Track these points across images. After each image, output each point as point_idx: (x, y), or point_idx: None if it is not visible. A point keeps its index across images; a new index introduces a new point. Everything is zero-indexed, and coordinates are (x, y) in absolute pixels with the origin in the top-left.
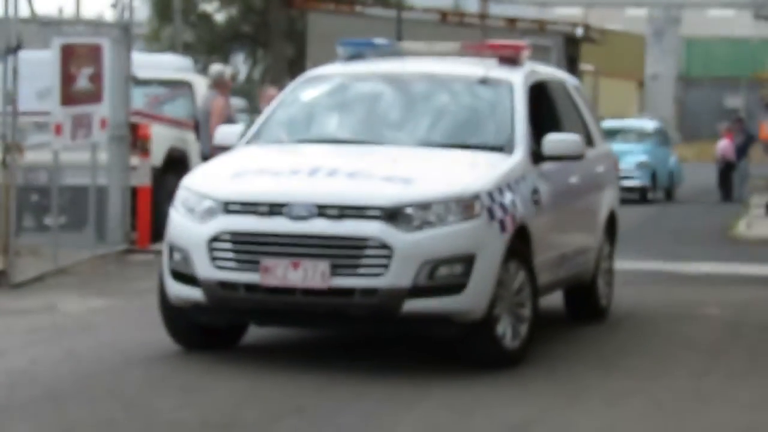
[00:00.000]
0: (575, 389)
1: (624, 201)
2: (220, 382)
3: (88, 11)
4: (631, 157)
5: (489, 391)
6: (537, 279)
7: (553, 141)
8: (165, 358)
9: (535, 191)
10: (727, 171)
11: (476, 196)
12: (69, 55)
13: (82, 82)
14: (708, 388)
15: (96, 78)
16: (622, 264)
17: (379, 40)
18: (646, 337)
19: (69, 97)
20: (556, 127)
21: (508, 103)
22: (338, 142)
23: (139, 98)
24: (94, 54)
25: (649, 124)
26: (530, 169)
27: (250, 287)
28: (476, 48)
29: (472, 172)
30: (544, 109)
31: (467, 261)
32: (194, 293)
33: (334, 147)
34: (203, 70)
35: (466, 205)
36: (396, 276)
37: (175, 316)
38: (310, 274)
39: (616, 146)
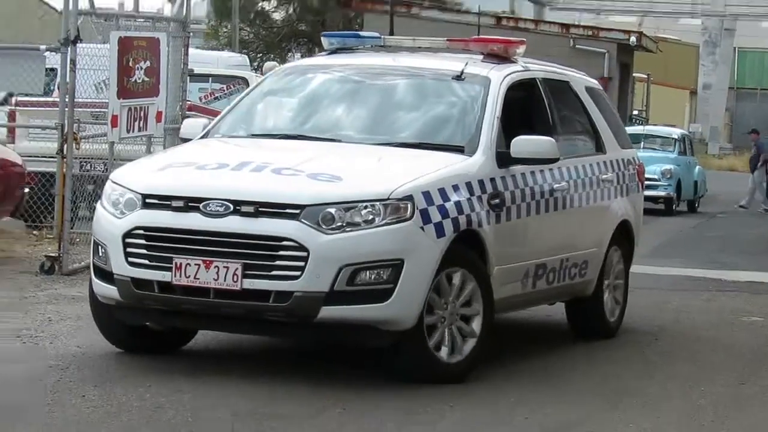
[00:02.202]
0: (616, 393)
1: (649, 211)
2: (257, 374)
3: (147, 5)
4: (655, 165)
5: (528, 393)
6: (495, 291)
7: (522, 143)
8: (210, 345)
9: (495, 195)
10: None
11: (409, 198)
12: (127, 48)
13: (139, 76)
14: (748, 394)
15: (153, 72)
16: (668, 270)
17: (366, 33)
18: (689, 342)
19: (126, 90)
20: (544, 127)
21: (479, 101)
22: (292, 137)
23: (194, 93)
24: (151, 48)
25: (674, 132)
26: (492, 172)
27: (164, 286)
28: (463, 43)
29: (413, 171)
30: (532, 108)
31: (395, 266)
32: (112, 291)
33: (281, 142)
34: (259, 68)
35: (395, 207)
36: (312, 280)
37: (101, 314)
38: (222, 275)
39: (639, 154)
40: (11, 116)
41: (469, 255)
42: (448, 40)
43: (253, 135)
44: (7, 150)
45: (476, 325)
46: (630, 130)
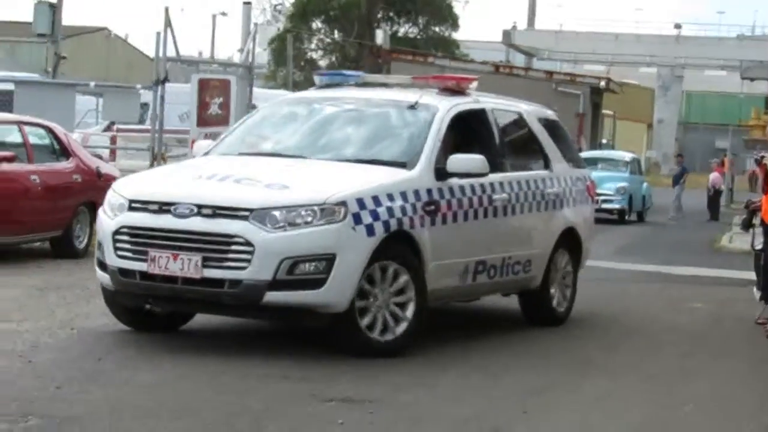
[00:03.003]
0: (585, 363)
1: (605, 221)
2: (299, 345)
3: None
4: (611, 183)
5: (516, 360)
6: (432, 283)
7: (456, 159)
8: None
9: (430, 203)
10: (715, 197)
11: (342, 203)
12: (204, 87)
13: (214, 109)
14: (691, 365)
15: (224, 106)
16: (626, 266)
17: (349, 72)
18: (645, 323)
19: (203, 120)
20: (488, 148)
21: (426, 126)
22: (271, 155)
23: None
24: (223, 87)
25: (625, 155)
26: (429, 183)
27: (143, 275)
28: (424, 79)
29: (352, 182)
30: (479, 132)
31: (328, 260)
32: (106, 279)
33: (259, 159)
34: None
35: (330, 210)
36: (257, 270)
37: (108, 298)
38: (186, 265)
39: (597, 173)
40: (113, 140)
41: (402, 251)
42: (413, 77)
43: (240, 153)
44: (109, 166)
45: (409, 311)
46: (590, 153)
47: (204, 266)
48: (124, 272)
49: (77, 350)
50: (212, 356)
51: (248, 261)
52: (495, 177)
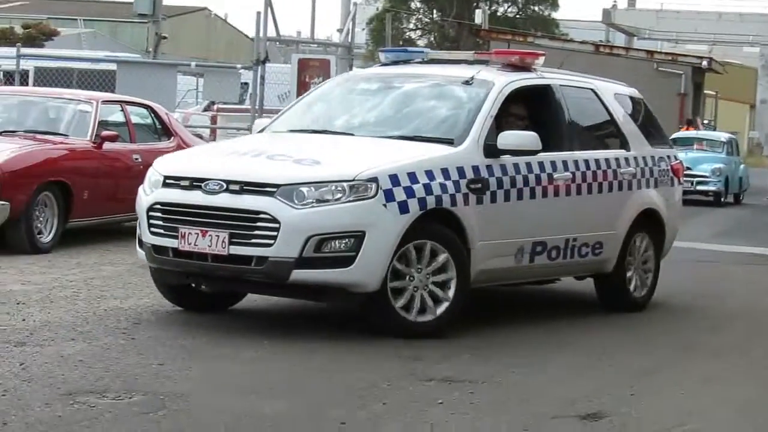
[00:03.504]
0: (689, 345)
1: (701, 203)
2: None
3: (320, 33)
4: (707, 164)
5: (621, 342)
6: (479, 263)
7: (507, 136)
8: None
9: (477, 181)
10: None
11: (373, 179)
12: (304, 67)
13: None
14: None
15: None
16: (727, 248)
17: (413, 49)
18: (749, 305)
19: None
20: (553, 125)
21: (479, 102)
22: (319, 132)
23: None
24: (323, 67)
25: (722, 136)
26: (476, 161)
27: (175, 252)
28: (488, 55)
29: (388, 158)
30: (543, 108)
31: (357, 237)
32: (142, 256)
33: (305, 136)
34: None
35: (360, 186)
36: (283, 247)
37: (155, 276)
38: (214, 242)
39: (693, 154)
40: (213, 120)
41: (440, 230)
42: (476, 53)
43: (290, 130)
44: None
45: (450, 290)
46: (684, 134)
47: (231, 243)
48: (157, 249)
49: (179, 328)
50: (309, 334)
51: (274, 238)
52: (557, 155)
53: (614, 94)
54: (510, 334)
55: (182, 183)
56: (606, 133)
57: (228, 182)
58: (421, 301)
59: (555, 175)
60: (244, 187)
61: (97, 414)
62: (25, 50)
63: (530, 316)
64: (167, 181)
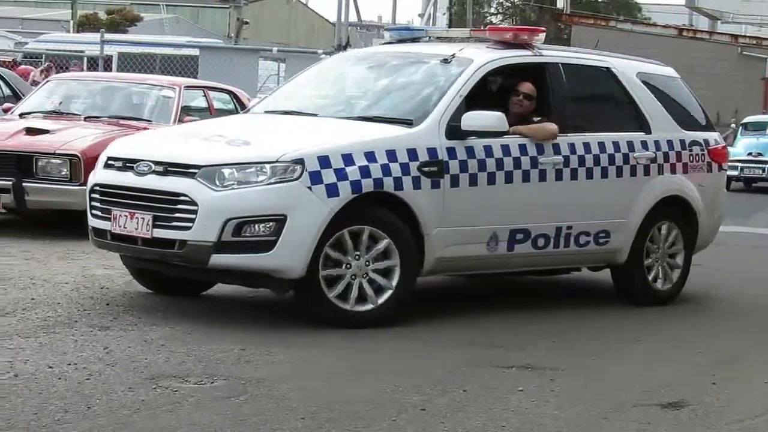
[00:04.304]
0: (766, 330)
1: None
2: (470, 312)
3: (401, 18)
4: None
5: (703, 330)
6: (436, 251)
7: (470, 117)
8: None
9: (431, 164)
10: None
11: (298, 160)
12: None
13: None
14: None
15: None
16: None
17: (414, 27)
18: None
19: None
20: (544, 107)
21: (450, 81)
22: (288, 112)
23: None
24: None
25: None
26: (433, 142)
27: (112, 234)
28: (482, 32)
29: (326, 139)
30: (538, 87)
31: (277, 221)
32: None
33: (271, 117)
34: None
35: (283, 168)
36: (201, 230)
37: (122, 260)
38: (140, 225)
39: (765, 139)
40: None
41: (381, 214)
42: (472, 30)
43: (266, 111)
44: None
45: (394, 279)
46: (756, 119)
47: (155, 226)
48: (97, 231)
49: (260, 313)
50: (395, 320)
51: (192, 221)
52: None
53: (637, 73)
54: (587, 321)
55: (116, 164)
56: (621, 115)
57: (155, 163)
58: (360, 289)
59: (541, 159)
60: (168, 169)
61: (180, 398)
62: (108, 36)
63: (603, 305)
64: (108, 162)
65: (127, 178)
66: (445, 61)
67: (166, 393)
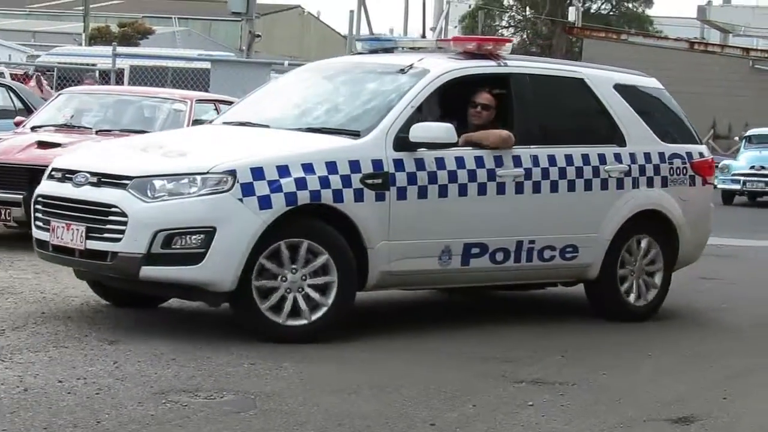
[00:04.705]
0: None
1: None
2: (489, 325)
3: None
4: None
5: (714, 344)
6: (378, 265)
7: (417, 128)
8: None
9: (374, 176)
10: None
11: (230, 172)
12: None
13: None
14: None
15: None
16: None
17: (385, 37)
18: None
19: None
20: (506, 118)
21: (402, 91)
22: (242, 124)
23: None
24: None
25: None
26: (378, 154)
27: (53, 246)
28: (447, 42)
29: (260, 150)
30: (500, 101)
31: (207, 233)
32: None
33: (224, 128)
34: None
35: (214, 180)
36: (131, 242)
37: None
38: (75, 236)
39: None
40: None
41: (320, 227)
42: (437, 39)
43: (224, 123)
44: None
45: (331, 294)
46: (759, 131)
47: (88, 237)
48: (39, 243)
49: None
50: (397, 334)
51: (122, 233)
52: (506, 150)
53: (614, 85)
54: (597, 336)
55: (57, 175)
56: (593, 127)
57: (91, 174)
58: (295, 303)
59: (499, 171)
60: (102, 180)
61: (189, 413)
62: (120, 49)
63: (612, 319)
64: (51, 173)
65: (65, 190)
66: (402, 71)
67: (176, 408)
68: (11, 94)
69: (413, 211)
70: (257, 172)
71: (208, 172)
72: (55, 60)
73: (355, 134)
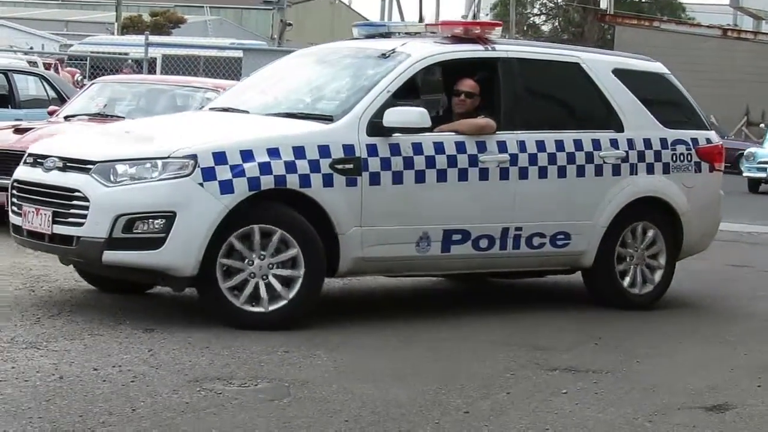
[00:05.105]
0: None
1: None
2: (525, 313)
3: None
4: None
5: (750, 332)
6: (351, 251)
7: (392, 112)
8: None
9: (345, 161)
10: None
11: (191, 156)
12: None
13: None
14: None
15: None
16: None
17: (377, 22)
18: None
19: None
20: (493, 103)
21: (380, 76)
22: (225, 110)
23: None
24: None
25: None
26: (350, 139)
27: (27, 231)
28: (436, 26)
29: (225, 135)
30: (488, 86)
31: (167, 217)
32: None
33: (207, 114)
34: None
35: (175, 164)
36: (93, 227)
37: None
38: (43, 221)
39: None
40: None
41: (287, 213)
42: (427, 24)
43: (210, 108)
44: None
45: (294, 288)
46: None
47: (54, 222)
48: (14, 228)
49: (304, 315)
50: (431, 322)
51: (85, 217)
52: (492, 136)
53: (613, 69)
54: (634, 323)
55: (29, 160)
56: (588, 112)
57: (60, 159)
58: (256, 289)
59: (482, 157)
60: (68, 165)
61: (224, 401)
62: (153, 38)
63: (652, 306)
64: (26, 159)
65: (36, 174)
66: (384, 56)
67: (210, 395)
68: (44, 83)
69: (388, 196)
70: (219, 157)
71: (168, 157)
72: (88, 49)
73: (329, 119)
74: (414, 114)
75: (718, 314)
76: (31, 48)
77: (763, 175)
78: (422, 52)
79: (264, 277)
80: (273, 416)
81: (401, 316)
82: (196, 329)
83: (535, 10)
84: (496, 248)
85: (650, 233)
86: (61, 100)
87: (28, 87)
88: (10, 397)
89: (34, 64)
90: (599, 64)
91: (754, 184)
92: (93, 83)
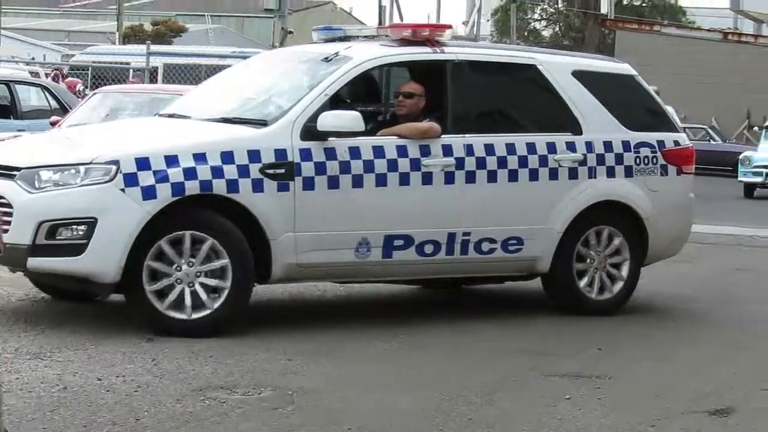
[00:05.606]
0: None
1: None
2: (528, 319)
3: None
4: None
5: (753, 336)
6: (285, 257)
7: (324, 117)
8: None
9: (276, 165)
10: None
11: (113, 162)
12: None
13: None
14: None
15: None
16: None
17: (334, 27)
18: None
19: None
20: (438, 106)
21: (317, 80)
22: (170, 116)
23: None
24: None
25: None
26: (283, 143)
27: None
28: (384, 29)
29: (149, 141)
30: (435, 89)
31: (88, 224)
32: None
33: (150, 120)
34: None
35: (98, 170)
36: (17, 233)
37: None
38: None
39: None
40: None
41: (215, 219)
42: (378, 27)
43: (158, 115)
44: None
45: (220, 298)
46: None
47: None
48: None
49: (306, 323)
50: (436, 328)
51: (10, 224)
52: (435, 139)
53: (573, 71)
54: (635, 328)
55: None
56: (544, 115)
57: None
58: (181, 296)
59: (425, 161)
60: None
61: (227, 410)
62: (154, 47)
63: (648, 312)
64: None
65: None
66: (326, 59)
67: (214, 404)
68: (47, 93)
69: (323, 201)
70: (142, 162)
71: (90, 163)
72: (90, 59)
73: (263, 123)
74: (348, 118)
75: (720, 318)
76: (33, 58)
77: (758, 179)
78: (364, 56)
79: (190, 284)
80: (277, 424)
81: (404, 323)
82: (199, 339)
83: (536, 15)
84: (442, 254)
85: (616, 241)
86: (64, 110)
87: (30, 98)
88: (14, 407)
89: (35, 74)
90: (558, 66)
91: (749, 189)
92: (95, 93)
